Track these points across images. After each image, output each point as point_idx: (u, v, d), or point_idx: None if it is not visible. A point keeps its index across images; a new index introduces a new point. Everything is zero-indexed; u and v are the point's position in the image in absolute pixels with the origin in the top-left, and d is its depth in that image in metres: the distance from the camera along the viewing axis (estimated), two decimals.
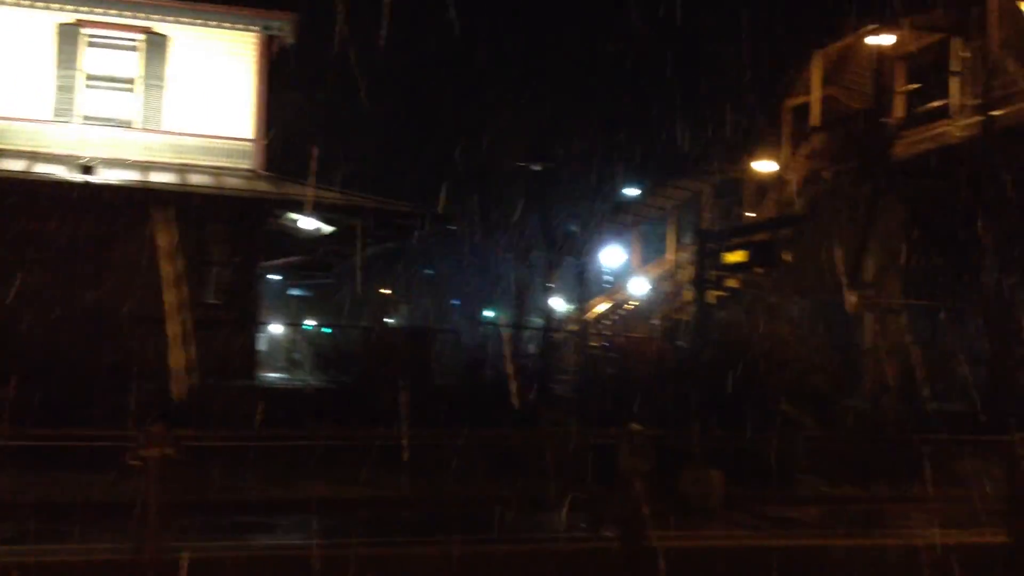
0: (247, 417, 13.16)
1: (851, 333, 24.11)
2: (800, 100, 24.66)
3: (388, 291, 44.71)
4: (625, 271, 33.21)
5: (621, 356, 24.03)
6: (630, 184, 32.93)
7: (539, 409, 16.81)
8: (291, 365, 23.59)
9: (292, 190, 19.91)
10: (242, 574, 8.44)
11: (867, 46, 22.23)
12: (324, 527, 10.62)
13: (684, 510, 11.63)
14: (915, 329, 24.73)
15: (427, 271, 40.77)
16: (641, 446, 11.28)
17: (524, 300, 33.82)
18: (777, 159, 25.24)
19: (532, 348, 25.47)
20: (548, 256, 32.46)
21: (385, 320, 39.93)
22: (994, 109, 18.92)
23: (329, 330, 28.77)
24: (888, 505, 12.79)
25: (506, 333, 26.29)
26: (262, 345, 23.22)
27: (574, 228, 32.75)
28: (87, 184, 16.95)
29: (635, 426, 11.93)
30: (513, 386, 17.21)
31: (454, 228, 23.96)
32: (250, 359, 19.40)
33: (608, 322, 30.32)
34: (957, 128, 20.41)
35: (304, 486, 11.30)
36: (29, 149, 18.85)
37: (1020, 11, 17.73)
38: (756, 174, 25.98)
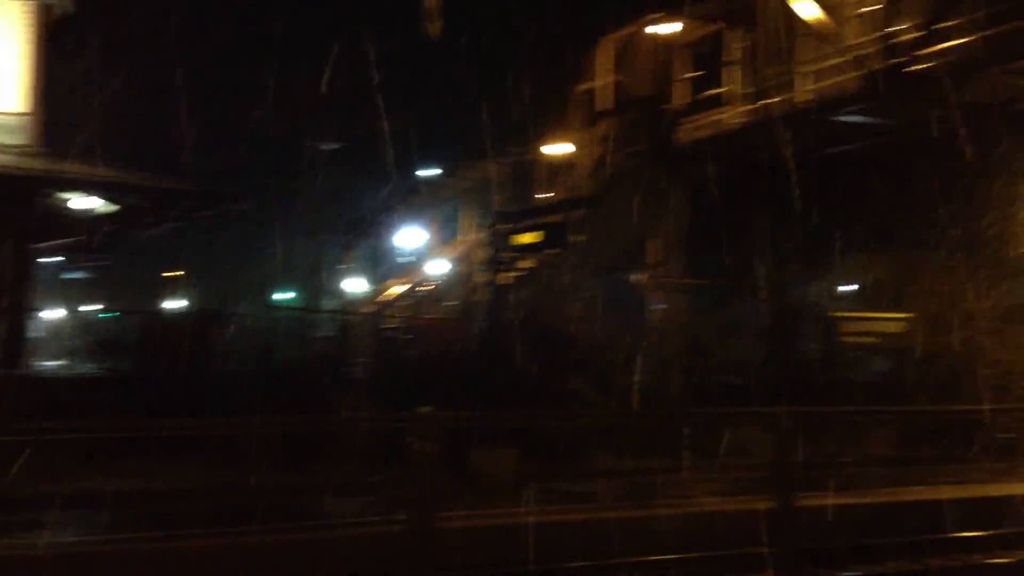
0: (15, 408, 12.36)
1: (639, 311, 24.93)
2: (591, 85, 25.24)
3: (177, 273, 43.03)
4: (422, 252, 33.20)
5: (417, 338, 24.00)
6: (427, 165, 32.93)
7: (334, 394, 16.57)
8: (68, 353, 22.36)
9: (67, 167, 18.79)
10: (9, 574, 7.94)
11: (651, 34, 22.96)
12: (101, 522, 10.11)
13: (477, 490, 11.74)
14: (699, 307, 25.82)
15: (217, 252, 39.46)
16: (430, 428, 11.30)
17: (319, 282, 33.29)
18: (570, 141, 25.78)
19: (327, 331, 25.05)
20: (344, 237, 32.07)
21: (171, 304, 38.42)
22: (767, 97, 19.92)
23: (109, 315, 27.43)
24: (670, 476, 13.28)
25: (299, 316, 25.79)
26: (35, 332, 21.87)
27: (370, 209, 32.49)
28: None
29: (423, 409, 11.96)
30: (307, 371, 16.89)
31: (243, 207, 23.23)
32: (19, 347, 18.23)
33: (405, 304, 30.26)
34: (734, 116, 21.38)
35: (79, 479, 10.72)
36: None
37: (787, 4, 18.69)
38: (550, 157, 26.46)
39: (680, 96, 23.36)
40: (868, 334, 22.12)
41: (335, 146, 30.68)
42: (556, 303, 22.63)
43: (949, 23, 16.30)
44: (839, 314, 22.46)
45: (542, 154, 26.52)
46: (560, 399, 16.51)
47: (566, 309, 22.68)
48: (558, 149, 25.99)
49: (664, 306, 24.48)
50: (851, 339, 22.44)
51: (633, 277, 24.72)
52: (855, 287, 25.83)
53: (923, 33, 16.29)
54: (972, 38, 16.04)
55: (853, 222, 22.75)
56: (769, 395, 17.92)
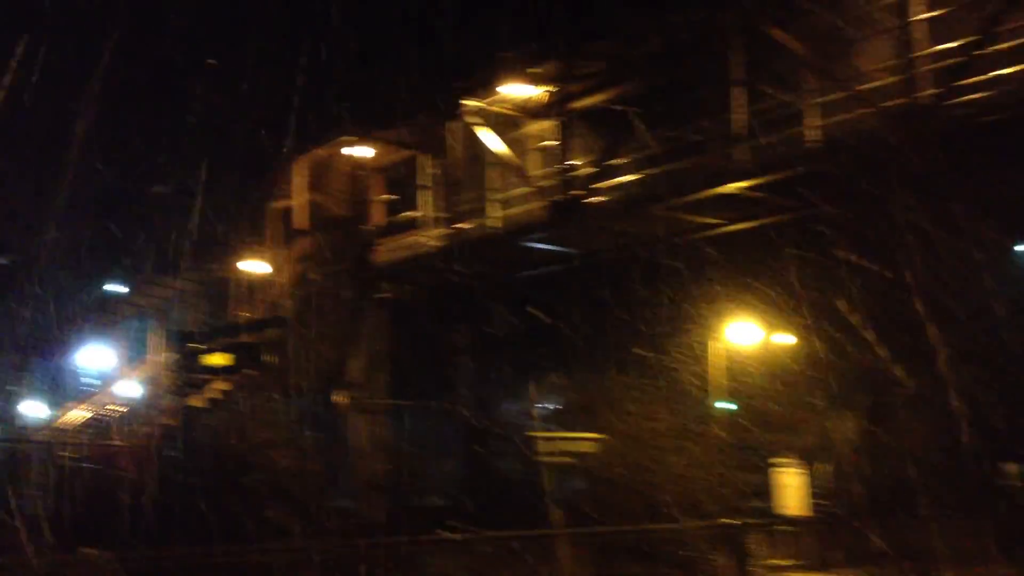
0: None
1: (340, 433, 24.44)
2: (287, 202, 24.99)
3: None
4: (110, 373, 31.17)
5: (100, 467, 22.26)
6: (115, 280, 31.18)
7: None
8: None
9: None
10: None
11: (345, 156, 23.15)
12: None
13: None
14: (402, 427, 25.64)
15: None
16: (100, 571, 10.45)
17: None
18: (265, 259, 25.25)
19: None
20: (18, 357, 29.55)
21: None
22: (459, 222, 20.48)
23: None
24: None
25: None
26: None
27: (50, 327, 30.19)
28: None
29: (90, 550, 11.05)
30: None
31: None
32: None
33: (89, 430, 28.09)
34: (428, 238, 21.79)
35: None
36: None
37: (475, 135, 19.41)
38: (244, 274, 25.77)
39: (376, 217, 23.57)
40: (563, 453, 22.68)
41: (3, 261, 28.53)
42: (252, 427, 21.78)
43: (618, 160, 17.44)
44: (537, 434, 22.95)
45: (237, 271, 25.78)
46: (257, 528, 15.69)
47: (263, 433, 21.87)
48: (255, 266, 25.35)
49: (366, 427, 24.12)
50: (548, 458, 22.93)
51: (333, 398, 24.23)
52: (553, 407, 26.59)
53: (596, 169, 17.32)
54: (638, 176, 17.25)
55: (549, 343, 23.55)
56: (471, 517, 17.93)
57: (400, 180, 22.21)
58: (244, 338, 23.76)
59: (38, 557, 13.35)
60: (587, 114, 18.97)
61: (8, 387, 29.41)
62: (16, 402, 30.48)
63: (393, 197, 22.57)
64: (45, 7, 19.11)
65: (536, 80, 19.25)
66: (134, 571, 11.51)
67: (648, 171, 17.14)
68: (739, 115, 15.78)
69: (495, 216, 20.10)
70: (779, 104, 15.50)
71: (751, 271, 22.05)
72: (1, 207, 29.39)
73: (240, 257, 25.30)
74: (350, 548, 15.01)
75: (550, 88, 19.04)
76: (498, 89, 19.50)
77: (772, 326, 23.97)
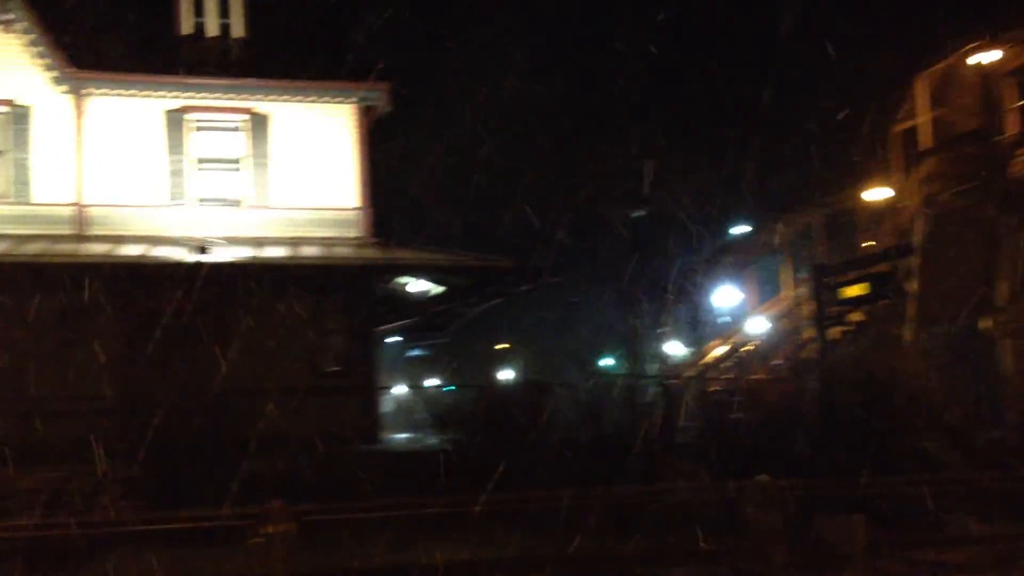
0: (371, 481, 13.21)
1: (987, 361, 22.96)
2: (909, 124, 23.88)
3: (505, 345, 44.87)
4: (741, 311, 32.50)
5: (744, 400, 23.35)
6: (739, 222, 32.31)
7: (663, 460, 16.40)
8: (414, 426, 23.65)
9: (399, 255, 20.16)
10: None
11: (972, 64, 21.47)
12: None
13: (825, 558, 11.10)
14: None
15: (539, 323, 40.77)
16: (771, 497, 10.84)
17: (637, 348, 33.34)
18: (890, 185, 24.43)
19: (649, 397, 24.91)
20: (659, 301, 32.02)
21: (502, 375, 40.00)
22: None
23: (447, 389, 28.86)
24: None
25: (622, 383, 25.82)
26: (386, 407, 23.35)
27: (683, 271, 32.28)
28: (202, 264, 17.43)
29: (761, 478, 11.50)
30: (634, 437, 16.85)
31: (559, 280, 23.76)
32: (373, 423, 19.53)
33: (727, 365, 29.59)
34: None
35: (429, 550, 11.15)
36: (147, 233, 19.46)
37: None
38: (869, 202, 25.20)
39: (1013, 126, 21.56)
40: None
41: (642, 212, 30.92)
42: (892, 357, 21.32)
43: None
44: None
45: (863, 200, 25.26)
46: (908, 459, 15.37)
47: (905, 363, 21.29)
48: (879, 193, 24.67)
49: (1017, 354, 22.34)
50: None
51: (979, 324, 22.76)
52: None
53: None
54: None
55: None
56: None
57: None
58: (878, 268, 23.26)
59: (708, 483, 14.35)
60: None
61: (656, 329, 32.05)
62: (662, 342, 33.10)
63: None
64: None
65: None
66: (799, 499, 11.76)
67: None
68: None
69: None
70: None
71: None
72: (637, 163, 31.82)
73: (865, 186, 24.79)
74: (1010, 480, 14.05)
75: None
76: None
77: None
